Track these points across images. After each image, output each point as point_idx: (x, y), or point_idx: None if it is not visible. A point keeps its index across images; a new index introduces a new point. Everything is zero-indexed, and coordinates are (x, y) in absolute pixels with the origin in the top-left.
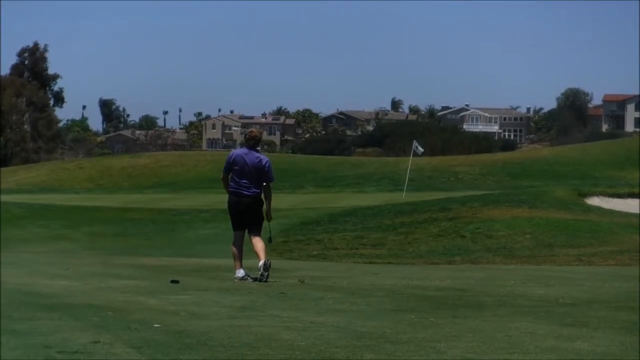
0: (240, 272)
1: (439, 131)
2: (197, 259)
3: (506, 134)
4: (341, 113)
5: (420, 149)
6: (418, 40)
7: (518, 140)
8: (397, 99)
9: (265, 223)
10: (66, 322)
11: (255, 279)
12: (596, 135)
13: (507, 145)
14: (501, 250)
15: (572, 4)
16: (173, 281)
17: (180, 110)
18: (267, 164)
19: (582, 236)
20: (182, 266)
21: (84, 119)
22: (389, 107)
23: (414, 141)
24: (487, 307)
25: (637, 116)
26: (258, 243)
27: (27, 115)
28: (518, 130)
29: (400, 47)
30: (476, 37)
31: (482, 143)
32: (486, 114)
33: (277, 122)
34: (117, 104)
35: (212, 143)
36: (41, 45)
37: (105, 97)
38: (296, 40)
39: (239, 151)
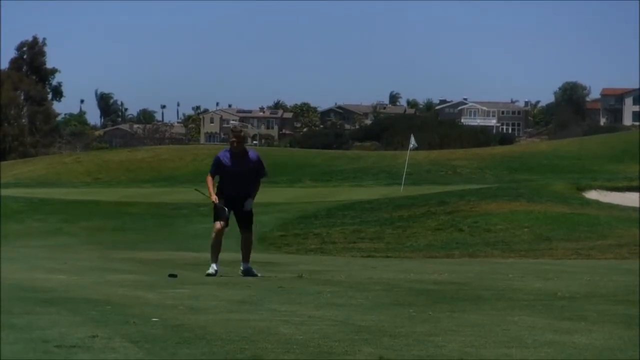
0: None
1: (437, 125)
2: (195, 253)
3: (504, 127)
4: (339, 107)
5: (415, 144)
6: (416, 34)
7: (516, 134)
8: (395, 93)
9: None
10: (64, 316)
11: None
12: (594, 129)
13: (505, 139)
14: (499, 244)
15: None
16: (171, 275)
17: (178, 104)
18: None
19: (580, 230)
20: (181, 260)
21: (81, 113)
22: (387, 101)
23: (412, 136)
24: (486, 300)
25: (636, 110)
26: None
27: (25, 109)
28: (516, 124)
29: (398, 41)
30: (474, 31)
31: (480, 137)
32: (484, 108)
33: (275, 116)
34: (115, 97)
35: (210, 137)
36: (40, 40)
37: (103, 90)
38: (294, 34)
39: None
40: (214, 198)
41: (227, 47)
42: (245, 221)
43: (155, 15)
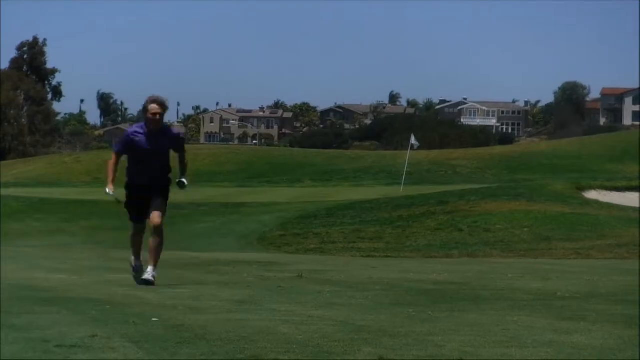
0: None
1: (437, 125)
2: (195, 252)
3: (504, 127)
4: (339, 107)
5: (416, 144)
6: (416, 34)
7: (516, 134)
8: (395, 93)
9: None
10: (64, 316)
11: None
12: (594, 129)
13: (505, 139)
14: (499, 244)
15: None
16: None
17: (178, 104)
18: None
19: (580, 230)
20: (180, 260)
21: (81, 113)
22: (386, 101)
23: (412, 135)
24: (485, 300)
25: (635, 109)
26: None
27: (25, 109)
28: (516, 124)
29: (398, 41)
30: (474, 31)
31: (480, 137)
32: (484, 108)
33: (275, 115)
34: (115, 97)
35: (210, 137)
36: (40, 40)
37: (104, 90)
38: (294, 34)
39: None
40: (111, 188)
41: (227, 47)
42: (160, 204)
43: (156, 15)
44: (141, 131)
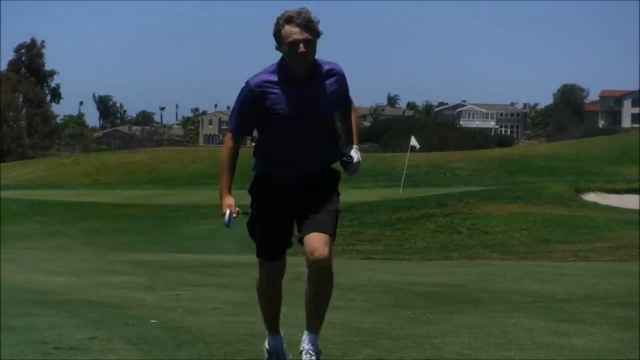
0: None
1: (436, 127)
2: (194, 255)
3: (503, 129)
4: None
5: (418, 145)
6: (415, 36)
7: (515, 136)
8: (393, 95)
9: None
10: (63, 318)
11: None
12: (593, 131)
13: (504, 141)
14: (498, 246)
15: None
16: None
17: (177, 107)
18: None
19: (578, 232)
20: (179, 262)
21: (80, 115)
22: (385, 103)
23: (412, 137)
24: (484, 303)
25: (634, 112)
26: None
27: (23, 111)
28: (515, 126)
29: (397, 43)
30: (473, 33)
31: (479, 139)
32: (483, 110)
33: None
34: (114, 99)
35: (208, 139)
36: (38, 42)
37: (102, 93)
38: None
39: None
40: (227, 204)
41: (226, 49)
42: (326, 222)
43: (155, 17)
44: (275, 79)
